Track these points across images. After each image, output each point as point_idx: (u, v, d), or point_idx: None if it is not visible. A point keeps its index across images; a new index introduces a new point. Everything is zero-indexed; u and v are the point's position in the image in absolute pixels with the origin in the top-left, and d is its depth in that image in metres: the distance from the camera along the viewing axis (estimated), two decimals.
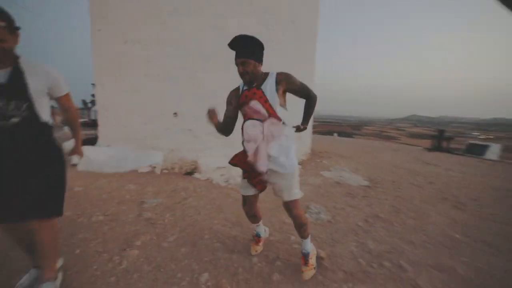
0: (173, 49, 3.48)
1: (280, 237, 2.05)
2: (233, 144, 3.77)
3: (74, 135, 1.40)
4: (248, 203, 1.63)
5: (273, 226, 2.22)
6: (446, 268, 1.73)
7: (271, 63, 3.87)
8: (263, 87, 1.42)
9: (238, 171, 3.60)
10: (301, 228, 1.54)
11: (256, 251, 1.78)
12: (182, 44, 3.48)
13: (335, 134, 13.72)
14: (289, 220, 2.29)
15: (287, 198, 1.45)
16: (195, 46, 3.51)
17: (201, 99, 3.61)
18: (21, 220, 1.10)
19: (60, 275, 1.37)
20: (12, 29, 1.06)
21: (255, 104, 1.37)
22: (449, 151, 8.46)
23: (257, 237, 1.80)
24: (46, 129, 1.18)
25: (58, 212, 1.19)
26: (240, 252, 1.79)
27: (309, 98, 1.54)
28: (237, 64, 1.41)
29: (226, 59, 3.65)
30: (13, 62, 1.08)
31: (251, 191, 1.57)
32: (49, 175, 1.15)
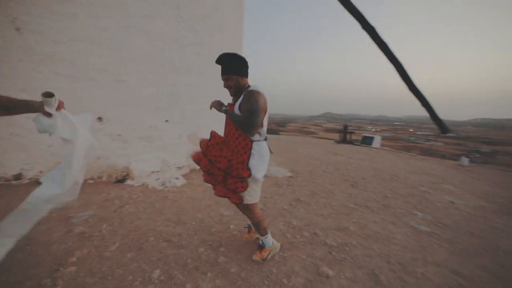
0: (90, 47, 3.16)
1: (221, 227, 2.32)
2: (165, 147, 3.79)
3: None
4: None
5: (213, 219, 2.47)
6: (343, 228, 2.42)
7: (200, 67, 4.07)
8: (237, 103, 1.62)
9: (173, 174, 3.67)
10: (256, 227, 1.81)
11: (246, 238, 2.10)
12: (103, 44, 3.20)
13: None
14: (227, 213, 2.61)
15: (244, 201, 1.66)
16: (118, 47, 3.29)
17: (130, 104, 3.44)
18: None
19: None
20: None
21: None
22: (351, 142, 10.59)
23: (249, 228, 2.13)
24: None
25: None
26: (187, 246, 1.96)
27: (245, 123, 1.54)
28: (222, 79, 1.63)
29: (156, 63, 3.63)
30: None
31: None
32: None
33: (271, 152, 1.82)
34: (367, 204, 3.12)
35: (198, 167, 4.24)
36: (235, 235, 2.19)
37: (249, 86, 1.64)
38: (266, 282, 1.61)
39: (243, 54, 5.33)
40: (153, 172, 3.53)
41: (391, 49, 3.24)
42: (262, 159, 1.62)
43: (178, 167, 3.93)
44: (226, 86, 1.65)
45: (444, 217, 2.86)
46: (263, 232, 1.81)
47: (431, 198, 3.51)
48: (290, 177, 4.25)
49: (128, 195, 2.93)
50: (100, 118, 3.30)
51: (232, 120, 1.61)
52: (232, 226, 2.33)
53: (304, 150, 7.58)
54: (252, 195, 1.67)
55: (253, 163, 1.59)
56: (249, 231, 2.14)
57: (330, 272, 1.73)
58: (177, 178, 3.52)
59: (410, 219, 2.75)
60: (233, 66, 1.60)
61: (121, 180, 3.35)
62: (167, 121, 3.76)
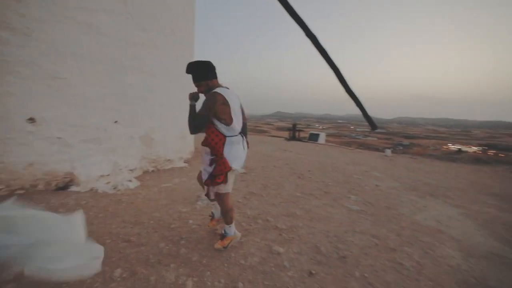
0: (14, 38, 2.80)
1: (180, 223, 2.41)
2: (116, 149, 3.61)
3: None
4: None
5: (171, 217, 2.54)
6: (291, 213, 2.78)
7: (152, 66, 4.00)
8: None
9: (126, 177, 3.54)
10: (224, 215, 1.98)
11: (209, 226, 2.28)
12: (33, 36, 2.86)
13: None
14: (185, 209, 2.72)
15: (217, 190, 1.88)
16: (53, 40, 2.99)
17: (72, 104, 3.15)
18: None
19: None
20: None
21: None
22: (300, 139, 11.49)
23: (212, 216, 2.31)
24: None
25: None
26: (147, 243, 2.02)
27: (188, 121, 1.74)
28: (195, 86, 1.82)
29: (102, 61, 3.42)
30: None
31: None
32: None
33: (248, 147, 2.07)
34: (311, 192, 3.59)
35: (151, 168, 4.17)
36: (194, 228, 2.32)
37: (216, 87, 1.80)
38: (226, 265, 1.81)
39: (194, 54, 5.36)
40: (102, 176, 3.33)
41: (330, 55, 3.77)
42: (233, 152, 1.82)
43: (131, 170, 3.78)
44: (199, 91, 1.84)
45: (370, 197, 3.52)
46: (229, 221, 1.97)
47: (362, 184, 4.23)
48: (244, 173, 4.51)
49: (75, 202, 2.74)
50: (31, 119, 2.96)
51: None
52: (191, 221, 2.45)
53: (257, 148, 7.97)
54: (226, 185, 1.86)
55: (226, 155, 1.78)
56: (212, 219, 2.30)
57: (281, 250, 2.03)
58: (130, 181, 3.41)
59: (345, 201, 3.30)
60: (199, 73, 1.78)
61: (63, 187, 3.08)
62: (116, 122, 3.58)
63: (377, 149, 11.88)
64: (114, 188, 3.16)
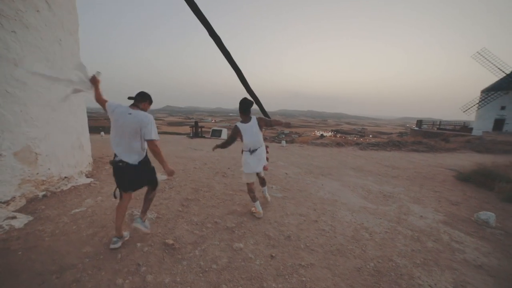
0: None
1: (127, 251, 2.14)
2: None
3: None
4: (252, 186, 2.94)
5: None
6: (233, 211, 3.04)
7: (20, 53, 3.00)
8: None
9: (4, 213, 2.55)
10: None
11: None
12: None
13: (102, 133, 12.32)
14: (125, 233, 2.39)
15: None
16: None
17: None
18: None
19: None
20: None
21: None
22: (202, 136, 11.57)
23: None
24: None
25: (156, 185, 2.33)
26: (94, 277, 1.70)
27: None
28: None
29: None
30: None
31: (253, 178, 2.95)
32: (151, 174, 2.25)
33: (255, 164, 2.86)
34: (240, 188, 3.97)
35: (42, 193, 3.13)
36: (146, 252, 2.13)
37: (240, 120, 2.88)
38: (201, 275, 1.87)
39: (79, 37, 4.30)
40: None
41: (232, 57, 4.16)
42: (244, 162, 2.86)
43: (5, 202, 2.71)
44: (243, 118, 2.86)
45: (285, 184, 4.33)
46: (254, 200, 2.97)
47: (275, 173, 5.04)
48: (167, 179, 4.26)
49: None
50: None
51: None
52: (139, 244, 2.21)
53: (166, 148, 7.47)
54: (243, 179, 2.95)
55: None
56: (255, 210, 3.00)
57: (241, 245, 2.29)
58: (13, 218, 2.48)
59: (270, 191, 3.91)
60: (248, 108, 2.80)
61: None
62: None
63: (273, 140, 13.83)
64: None
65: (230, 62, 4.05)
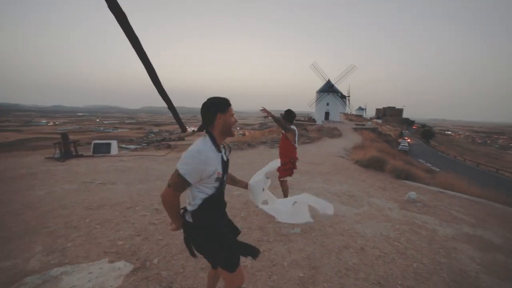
0: None
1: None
2: None
3: None
4: None
5: None
6: None
7: None
8: None
9: None
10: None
11: None
12: None
13: None
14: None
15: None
16: None
17: None
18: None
19: None
20: None
21: None
22: (81, 155, 8.28)
23: None
24: None
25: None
26: None
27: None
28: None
29: None
30: None
31: None
32: None
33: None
34: None
35: None
36: None
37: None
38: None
39: None
40: None
41: (148, 57, 3.20)
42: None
43: None
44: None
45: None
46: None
47: None
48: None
49: None
50: None
51: None
52: None
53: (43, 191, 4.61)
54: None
55: None
56: None
57: None
58: None
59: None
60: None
61: None
62: None
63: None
64: None
65: (144, 62, 2.92)
